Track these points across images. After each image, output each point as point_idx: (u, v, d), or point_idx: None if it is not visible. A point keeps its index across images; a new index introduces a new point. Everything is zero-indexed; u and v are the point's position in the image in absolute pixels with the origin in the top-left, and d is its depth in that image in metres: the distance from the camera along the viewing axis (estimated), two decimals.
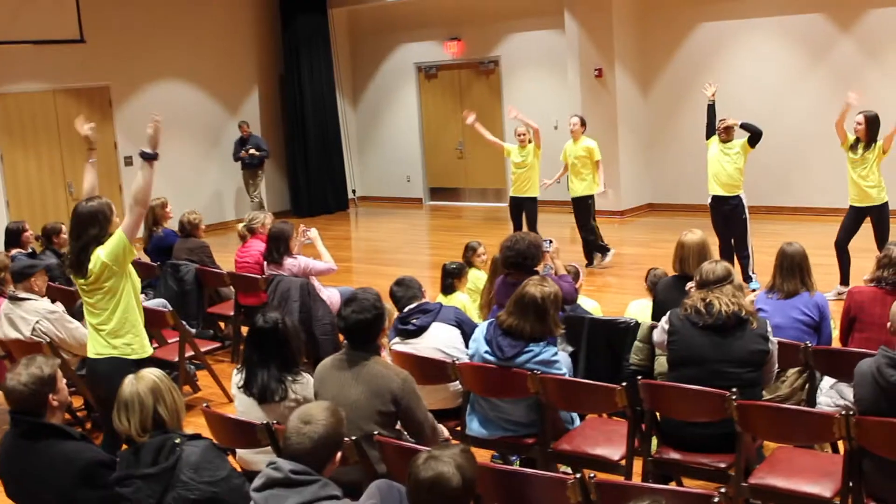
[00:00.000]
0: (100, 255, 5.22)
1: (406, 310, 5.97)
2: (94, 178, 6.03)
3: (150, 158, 5.30)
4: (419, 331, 5.85)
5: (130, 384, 3.96)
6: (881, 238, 9.24)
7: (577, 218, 11.84)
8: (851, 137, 9.36)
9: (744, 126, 9.98)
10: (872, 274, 5.82)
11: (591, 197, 11.72)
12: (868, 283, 5.86)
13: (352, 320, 4.72)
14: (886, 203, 9.41)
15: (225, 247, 12.07)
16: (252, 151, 15.93)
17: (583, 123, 11.73)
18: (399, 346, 5.82)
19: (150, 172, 5.30)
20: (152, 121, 5.34)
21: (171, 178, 14.69)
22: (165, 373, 4.16)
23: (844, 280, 9.44)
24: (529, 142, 11.65)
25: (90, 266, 5.24)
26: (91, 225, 5.29)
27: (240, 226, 9.57)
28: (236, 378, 5.08)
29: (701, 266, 5.21)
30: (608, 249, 11.81)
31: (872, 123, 9.27)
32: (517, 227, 11.79)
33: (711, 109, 10.27)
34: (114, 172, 14.94)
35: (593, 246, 11.78)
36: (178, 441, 3.86)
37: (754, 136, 9.97)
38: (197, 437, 3.97)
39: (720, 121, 10.11)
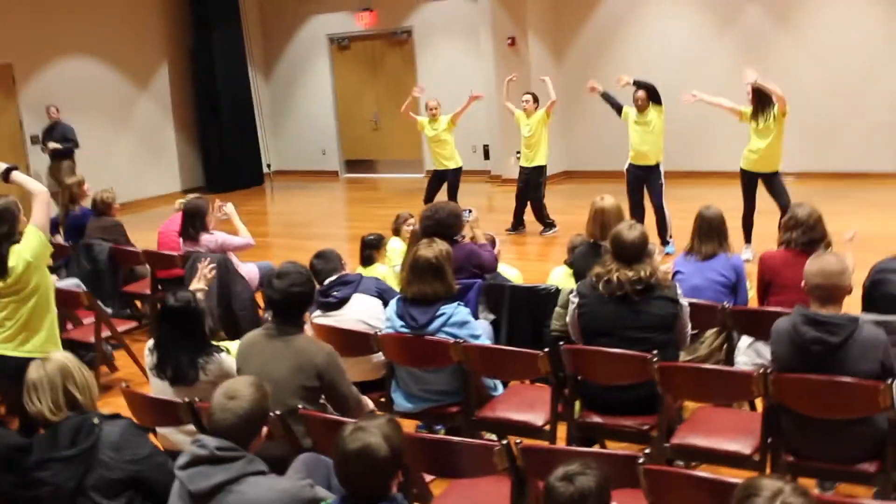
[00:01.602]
0: (22, 254, 5.14)
1: (327, 282, 5.93)
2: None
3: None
4: (340, 303, 5.82)
5: (37, 367, 3.93)
6: (783, 202, 9.32)
7: (525, 188, 11.85)
8: (747, 109, 9.47)
9: (636, 83, 10.15)
10: (781, 237, 5.92)
11: (544, 168, 11.81)
12: (778, 246, 5.96)
13: (290, 293, 4.68)
14: (778, 171, 9.53)
15: (140, 224, 11.84)
16: (52, 146, 14.19)
17: (535, 100, 11.79)
18: (321, 318, 5.78)
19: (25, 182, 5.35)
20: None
21: (81, 156, 14.36)
22: (80, 354, 4.09)
23: (748, 238, 9.60)
24: (441, 114, 11.82)
25: (11, 265, 5.15)
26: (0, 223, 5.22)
27: (177, 201, 9.34)
28: (149, 360, 5.00)
29: (615, 232, 5.12)
30: (552, 226, 11.86)
31: (758, 91, 9.35)
32: (429, 199, 11.81)
33: (605, 96, 10.66)
34: (19, 152, 14.51)
35: (538, 216, 11.88)
36: (96, 421, 3.80)
37: (653, 92, 10.14)
38: (116, 416, 3.91)
39: (635, 90, 10.26)
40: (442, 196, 11.81)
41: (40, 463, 3.77)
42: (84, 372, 3.96)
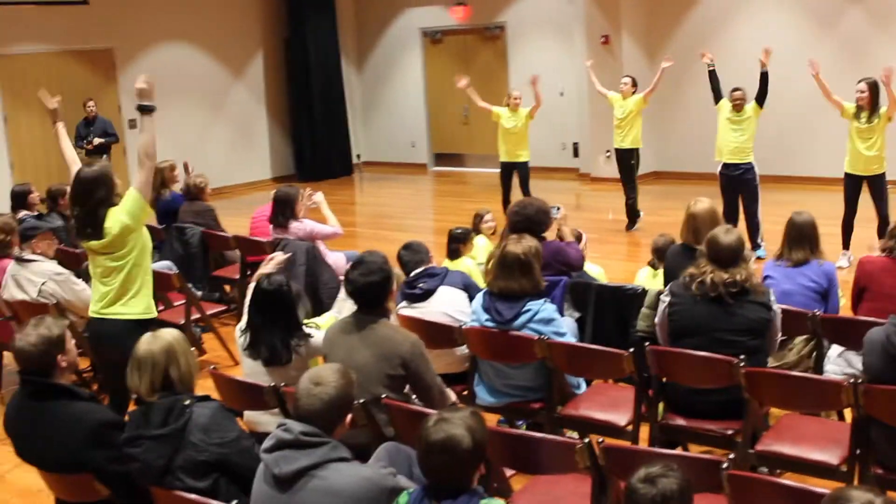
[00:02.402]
0: (118, 216, 5.17)
1: (413, 274, 5.97)
2: (70, 144, 6.05)
3: (147, 111, 5.22)
4: (426, 294, 5.84)
5: (147, 343, 3.97)
6: (882, 208, 9.18)
7: (621, 173, 11.95)
8: (851, 107, 9.28)
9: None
10: (884, 244, 5.78)
11: (636, 153, 11.81)
12: (880, 253, 5.83)
13: (360, 283, 4.72)
14: (884, 173, 9.34)
15: (230, 210, 12.04)
16: (97, 141, 13.51)
17: (634, 84, 11.82)
18: (406, 310, 5.81)
19: (152, 124, 5.23)
20: (143, 76, 5.26)
21: (176, 142, 14.63)
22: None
23: (846, 244, 9.42)
24: (520, 107, 11.93)
25: (107, 226, 5.17)
26: (97, 188, 5.24)
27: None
28: (241, 340, 5.09)
29: (712, 235, 5.10)
30: (638, 215, 11.94)
31: (874, 90, 9.19)
32: (506, 191, 12.07)
33: (713, 75, 10.33)
34: (119, 136, 14.87)
35: (630, 208, 11.94)
36: (187, 403, 3.86)
37: (762, 95, 10.02)
38: (206, 398, 3.98)
39: (735, 90, 10.12)
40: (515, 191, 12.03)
41: (132, 439, 3.86)
42: (189, 358, 4.01)
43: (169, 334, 4.04)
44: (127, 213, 5.17)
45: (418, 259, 6.04)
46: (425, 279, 5.90)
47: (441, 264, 6.76)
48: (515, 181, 12.22)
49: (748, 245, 9.73)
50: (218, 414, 3.90)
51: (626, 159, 11.81)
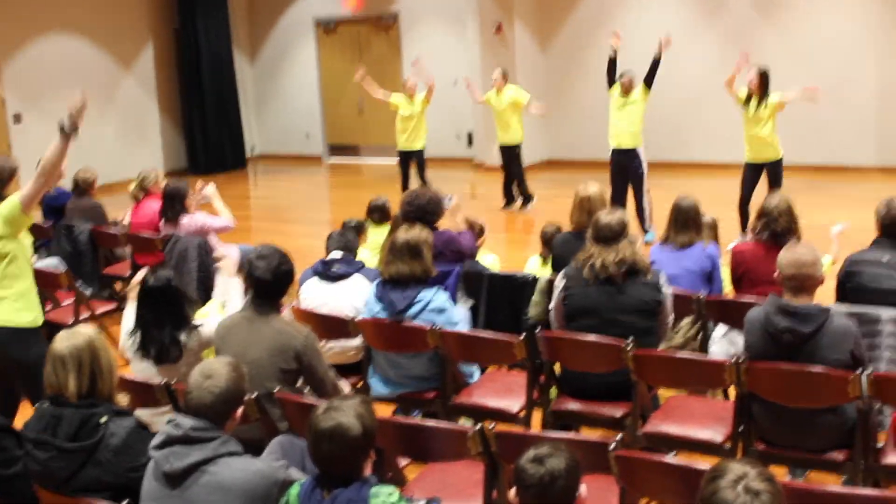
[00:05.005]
0: None
1: (329, 257, 5.96)
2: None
3: (67, 133, 5.05)
4: (339, 277, 5.84)
5: (67, 339, 3.82)
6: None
7: (507, 166, 12.37)
8: (743, 94, 9.53)
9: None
10: (752, 224, 5.95)
11: (519, 146, 12.23)
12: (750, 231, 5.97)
13: (264, 274, 4.67)
14: (781, 159, 9.60)
15: (120, 206, 11.81)
16: None
17: (504, 76, 12.18)
18: (314, 287, 5.82)
19: (65, 147, 5.07)
20: (80, 94, 5.09)
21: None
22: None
23: (744, 226, 9.66)
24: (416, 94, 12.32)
25: None
26: None
27: (131, 187, 9.33)
28: (129, 342, 4.99)
29: (595, 217, 5.23)
30: (531, 198, 12.40)
31: (764, 78, 9.45)
32: (405, 178, 12.46)
33: (613, 63, 10.49)
34: (1, 131, 14.46)
35: (522, 191, 12.39)
36: (102, 420, 3.73)
37: (650, 77, 10.33)
38: (124, 413, 3.84)
39: (621, 75, 10.33)
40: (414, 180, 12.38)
41: (39, 442, 3.74)
42: (110, 356, 3.88)
43: (87, 330, 3.91)
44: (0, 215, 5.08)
45: (346, 243, 6.07)
46: (342, 264, 5.90)
47: None
48: (414, 170, 12.50)
49: (637, 229, 9.99)
50: (132, 436, 3.76)
51: (510, 155, 12.25)
